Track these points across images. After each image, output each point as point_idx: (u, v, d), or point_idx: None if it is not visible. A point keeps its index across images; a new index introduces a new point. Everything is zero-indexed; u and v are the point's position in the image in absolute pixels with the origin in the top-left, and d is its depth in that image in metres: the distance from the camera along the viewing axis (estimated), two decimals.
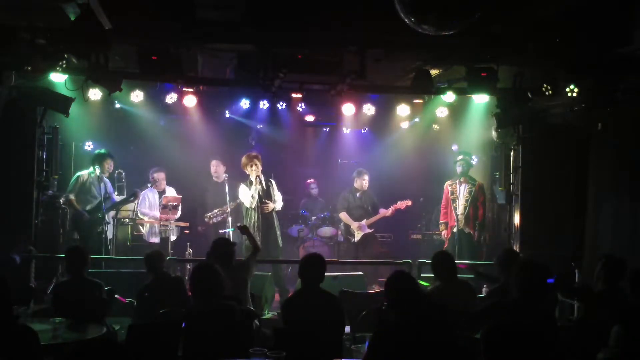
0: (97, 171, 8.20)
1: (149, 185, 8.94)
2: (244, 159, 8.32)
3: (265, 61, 6.97)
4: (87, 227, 8.11)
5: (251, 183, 8.24)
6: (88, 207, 8.15)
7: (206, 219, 9.25)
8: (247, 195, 8.23)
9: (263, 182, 8.25)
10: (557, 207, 7.96)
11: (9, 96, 7.37)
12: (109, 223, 8.33)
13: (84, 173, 8.27)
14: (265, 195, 8.23)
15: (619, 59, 6.67)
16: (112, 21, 6.19)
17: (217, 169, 9.48)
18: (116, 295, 5.68)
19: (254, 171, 8.22)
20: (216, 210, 9.21)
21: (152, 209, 9.16)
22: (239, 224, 7.11)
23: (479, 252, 8.81)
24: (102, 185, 8.17)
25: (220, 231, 9.01)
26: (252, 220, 8.17)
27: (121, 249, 8.89)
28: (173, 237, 9.03)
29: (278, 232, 8.37)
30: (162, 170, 9.29)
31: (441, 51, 7.15)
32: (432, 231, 10.13)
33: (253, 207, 8.18)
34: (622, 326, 3.97)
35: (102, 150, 8.45)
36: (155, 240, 9.07)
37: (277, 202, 8.42)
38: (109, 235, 8.25)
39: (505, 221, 8.73)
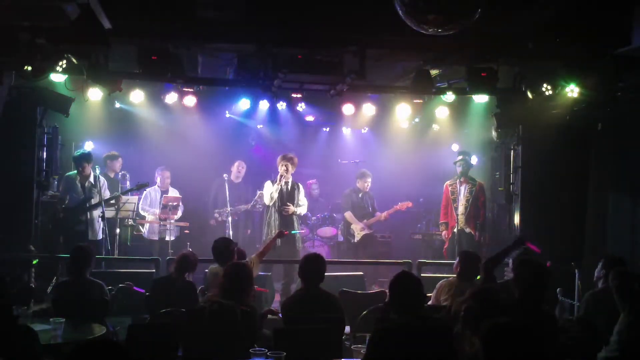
0: (97, 170, 8.18)
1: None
2: (279, 158, 8.32)
3: (265, 61, 6.96)
4: (68, 226, 7.97)
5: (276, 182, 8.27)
6: (71, 206, 8.01)
7: (219, 216, 9.40)
8: (268, 192, 8.26)
9: (289, 184, 8.25)
10: (557, 207, 7.94)
11: (9, 96, 7.36)
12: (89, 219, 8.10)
13: (71, 173, 8.22)
14: (287, 198, 8.21)
15: (619, 59, 6.67)
16: (112, 21, 6.19)
17: (240, 170, 9.68)
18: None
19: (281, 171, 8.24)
20: (228, 209, 9.28)
21: (153, 206, 9.21)
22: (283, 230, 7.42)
23: (479, 253, 8.80)
24: (87, 184, 8.03)
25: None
26: (272, 219, 8.18)
27: (121, 249, 8.88)
28: (172, 237, 9.04)
29: (297, 236, 8.32)
30: (167, 169, 9.37)
31: (441, 51, 7.15)
32: (432, 231, 10.13)
33: (271, 205, 8.20)
34: (633, 315, 3.99)
35: (78, 152, 8.23)
36: (155, 238, 9.15)
37: (302, 207, 8.40)
38: (100, 235, 8.09)
39: (505, 221, 8.72)
